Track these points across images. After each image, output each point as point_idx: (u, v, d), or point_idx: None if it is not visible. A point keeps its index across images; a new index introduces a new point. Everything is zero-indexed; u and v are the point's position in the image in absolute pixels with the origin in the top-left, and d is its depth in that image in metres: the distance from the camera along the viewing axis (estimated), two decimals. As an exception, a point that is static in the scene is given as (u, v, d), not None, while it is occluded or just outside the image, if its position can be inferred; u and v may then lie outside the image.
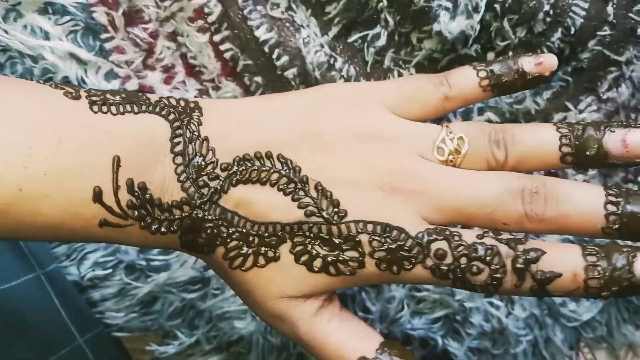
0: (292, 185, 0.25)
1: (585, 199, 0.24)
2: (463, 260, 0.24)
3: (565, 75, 0.38)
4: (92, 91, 0.25)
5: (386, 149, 0.26)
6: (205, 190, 0.25)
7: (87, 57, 0.35)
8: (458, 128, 0.27)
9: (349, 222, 0.25)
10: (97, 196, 0.23)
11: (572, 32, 0.36)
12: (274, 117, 0.26)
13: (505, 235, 0.24)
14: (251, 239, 0.25)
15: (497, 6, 0.35)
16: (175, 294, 0.40)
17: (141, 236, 0.25)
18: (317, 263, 0.25)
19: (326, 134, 0.26)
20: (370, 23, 0.36)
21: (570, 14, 0.36)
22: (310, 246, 0.25)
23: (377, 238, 0.24)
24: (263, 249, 0.25)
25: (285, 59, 0.36)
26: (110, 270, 0.39)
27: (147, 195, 0.24)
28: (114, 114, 0.24)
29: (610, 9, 0.36)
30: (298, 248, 0.25)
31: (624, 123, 0.25)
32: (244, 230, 0.25)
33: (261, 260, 0.25)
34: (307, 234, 0.25)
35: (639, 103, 0.39)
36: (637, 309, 0.44)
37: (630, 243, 0.24)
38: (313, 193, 0.25)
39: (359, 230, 0.25)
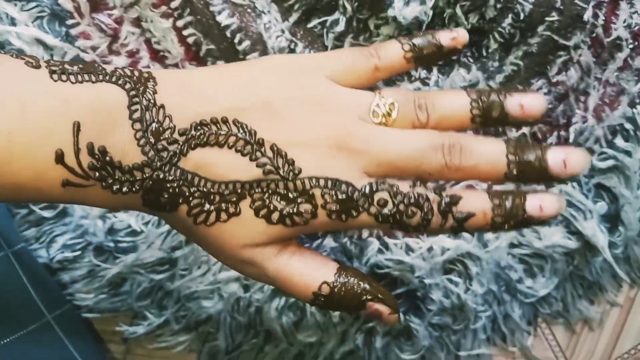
0: (248, 147, 0.27)
1: (491, 150, 0.29)
2: (401, 206, 0.28)
3: (516, 60, 0.40)
4: (51, 61, 0.26)
5: (331, 113, 0.29)
6: (164, 154, 0.27)
7: (53, 43, 0.36)
8: (389, 94, 0.30)
9: (303, 178, 0.28)
10: (59, 158, 0.25)
11: (521, 18, 0.38)
12: (226, 87, 0.28)
13: (431, 184, 0.29)
14: (212, 197, 0.27)
15: (450, -7, 0.36)
16: (144, 275, 0.41)
17: (103, 196, 0.26)
18: (275, 216, 0.28)
19: (276, 102, 0.28)
20: (329, 9, 0.38)
21: (520, 0, 0.37)
22: (267, 201, 0.28)
23: (328, 191, 0.28)
24: (224, 205, 0.28)
25: (247, 43, 0.37)
26: (79, 252, 0.40)
27: (108, 158, 0.26)
28: (72, 83, 0.26)
29: (557, -4, 0.38)
30: (257, 203, 0.28)
31: (522, 89, 0.31)
32: (205, 190, 0.27)
33: (223, 216, 0.28)
34: (265, 190, 0.28)
35: (587, 86, 0.41)
36: (591, 285, 0.46)
37: (524, 187, 0.31)
38: (269, 153, 0.28)
39: (312, 185, 0.28)
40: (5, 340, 0.32)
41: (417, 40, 0.32)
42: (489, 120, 0.31)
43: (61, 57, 0.37)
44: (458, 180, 0.32)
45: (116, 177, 0.26)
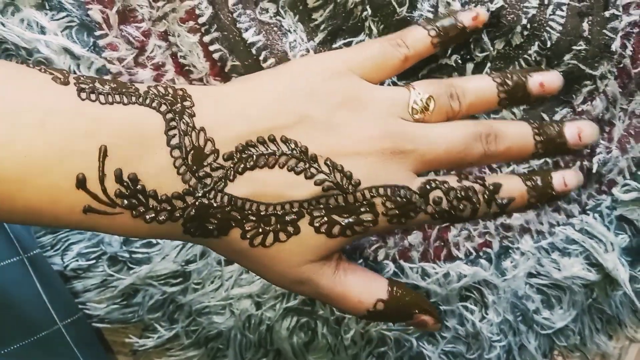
0: (301, 164, 0.27)
1: (520, 133, 0.32)
2: (455, 202, 0.30)
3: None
4: (82, 78, 0.25)
5: (372, 116, 0.29)
6: (208, 181, 0.25)
7: (80, 52, 0.37)
8: (422, 88, 0.31)
9: (363, 190, 0.28)
10: (81, 183, 0.23)
11: (548, 46, 0.37)
12: (262, 103, 0.27)
13: (473, 176, 0.31)
14: (267, 219, 0.27)
15: (477, 18, 0.36)
16: (157, 287, 0.40)
17: (133, 225, 0.25)
18: (336, 230, 0.28)
19: (316, 113, 0.28)
20: (355, 31, 0.38)
21: (547, 28, 0.37)
22: (328, 216, 0.27)
23: (389, 198, 0.28)
24: (282, 226, 0.27)
25: (271, 61, 0.37)
26: (93, 261, 0.40)
27: (139, 186, 0.24)
28: (102, 103, 0.24)
29: (585, 25, 0.38)
30: (317, 220, 0.27)
31: (541, 68, 0.35)
32: (260, 213, 0.26)
33: (282, 237, 0.27)
34: (325, 205, 0.27)
35: (612, 117, 0.41)
36: (610, 319, 0.45)
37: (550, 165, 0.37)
38: (325, 168, 0.27)
39: (373, 195, 0.28)
40: (15, 346, 0.32)
41: (442, 23, 0.33)
42: (514, 101, 0.33)
43: (87, 67, 0.37)
44: (492, 163, 0.36)
45: (150, 206, 0.25)
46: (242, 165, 0.26)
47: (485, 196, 0.30)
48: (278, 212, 0.26)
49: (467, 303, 0.42)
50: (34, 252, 0.36)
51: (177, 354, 0.42)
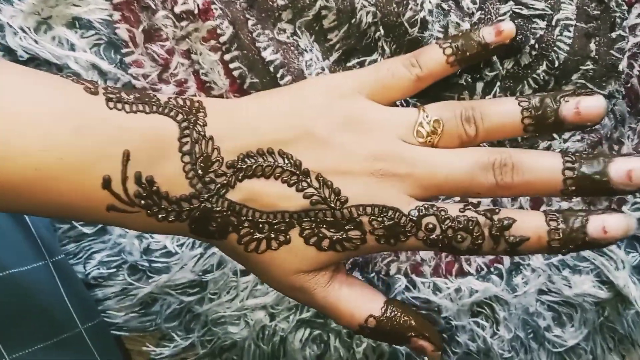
0: (294, 178, 0.28)
1: (546, 166, 0.28)
2: (450, 231, 0.28)
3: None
4: (109, 88, 0.28)
5: (372, 137, 0.29)
6: (212, 186, 0.27)
7: (107, 69, 0.39)
8: (433, 110, 0.30)
9: (350, 207, 0.28)
10: (106, 184, 0.26)
11: (556, 66, 0.39)
12: (269, 117, 0.29)
13: (482, 207, 0.28)
14: (261, 226, 0.28)
15: (486, 39, 0.38)
16: (174, 296, 0.42)
17: (147, 222, 0.27)
18: (325, 243, 0.29)
19: (318, 131, 0.29)
20: (368, 50, 0.39)
21: (555, 48, 0.38)
22: (317, 230, 0.28)
23: (375, 218, 0.28)
24: (274, 234, 0.28)
25: (288, 78, 0.39)
26: (114, 270, 0.41)
27: (155, 188, 0.27)
28: (127, 112, 0.27)
29: (593, 46, 0.39)
30: (307, 232, 0.28)
31: (576, 92, 0.30)
32: (254, 219, 0.28)
33: (274, 244, 0.29)
34: (314, 219, 0.28)
35: (621, 135, 0.41)
36: (622, 339, 0.45)
37: (584, 207, 0.31)
38: (315, 183, 0.28)
39: (360, 213, 0.28)
40: (37, 346, 0.33)
41: (459, 42, 0.31)
42: (542, 128, 0.29)
43: (114, 83, 0.39)
44: (509, 197, 0.31)
45: (162, 206, 0.27)
46: (241, 174, 0.28)
47: (492, 231, 0.27)
48: (271, 220, 0.28)
49: (478, 319, 0.43)
50: (59, 257, 0.38)
51: (192, 363, 0.43)
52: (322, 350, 0.43)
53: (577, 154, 0.28)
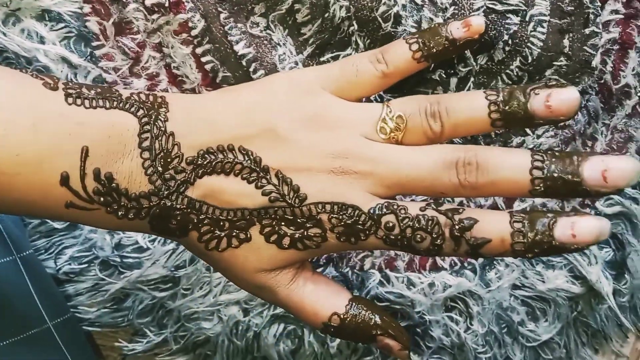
0: (254, 175, 0.28)
1: (513, 165, 0.26)
2: (408, 231, 0.27)
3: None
4: (69, 84, 0.27)
5: (334, 134, 0.28)
6: (172, 183, 0.27)
7: (77, 62, 0.38)
8: (397, 105, 0.29)
9: (309, 204, 0.28)
10: (64, 180, 0.25)
11: (529, 62, 0.39)
12: (231, 113, 0.29)
13: (445, 206, 0.27)
14: (222, 223, 0.28)
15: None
16: (147, 292, 0.41)
17: (107, 219, 0.27)
18: (286, 241, 0.28)
19: (279, 126, 0.28)
20: (342, 45, 0.39)
21: (528, 44, 0.38)
22: (277, 227, 0.28)
23: (335, 216, 0.28)
24: (235, 232, 0.28)
25: (261, 72, 0.38)
26: (85, 265, 0.41)
27: (114, 185, 0.26)
28: (86, 107, 0.26)
29: (566, 42, 0.39)
30: (267, 229, 0.28)
31: (548, 84, 0.28)
32: (214, 217, 0.28)
33: (234, 242, 0.28)
34: (273, 216, 0.28)
35: (594, 131, 0.41)
36: (596, 333, 0.45)
37: (556, 207, 0.29)
38: (274, 180, 0.28)
39: (319, 211, 0.28)
40: (5, 342, 0.33)
41: (427, 37, 0.30)
42: (512, 123, 0.28)
43: (84, 76, 0.38)
44: (475, 197, 0.30)
45: (122, 203, 0.27)
46: (201, 170, 0.27)
47: (453, 232, 0.26)
48: (231, 218, 0.28)
49: (452, 313, 0.43)
50: (27, 252, 0.37)
51: (166, 359, 0.43)
52: (296, 346, 0.43)
53: (549, 152, 0.26)
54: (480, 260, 0.42)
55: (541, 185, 0.26)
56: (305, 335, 0.42)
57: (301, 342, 0.42)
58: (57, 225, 0.41)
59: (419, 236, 0.27)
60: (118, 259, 0.41)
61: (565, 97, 0.27)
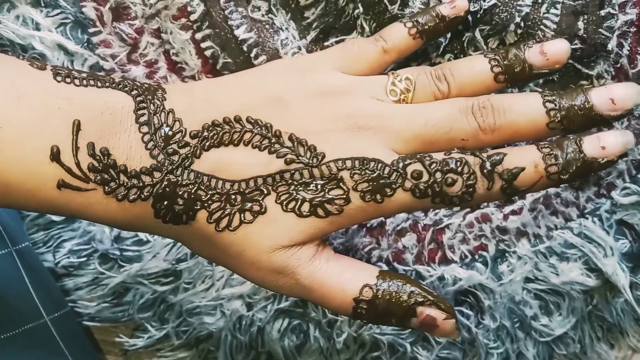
0: (266, 141, 0.26)
1: (527, 103, 0.28)
2: (438, 175, 0.26)
3: (537, 87, 0.39)
4: (59, 67, 0.26)
5: (344, 99, 0.28)
6: (175, 157, 0.25)
7: (74, 49, 0.37)
8: (403, 72, 0.30)
9: (328, 162, 0.26)
10: (55, 155, 0.23)
11: (542, 45, 0.37)
12: (235, 90, 0.28)
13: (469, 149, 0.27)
14: (233, 197, 0.26)
15: (469, 17, 0.36)
16: (147, 286, 0.40)
17: (106, 204, 0.24)
18: (305, 207, 0.26)
19: (286, 96, 0.27)
20: (347, 29, 0.38)
21: (541, 26, 0.37)
22: (295, 192, 0.26)
23: (357, 171, 0.26)
24: (248, 204, 0.26)
25: (263, 58, 0.37)
26: (84, 259, 0.40)
27: (110, 160, 0.24)
28: (77, 85, 0.25)
29: (581, 24, 0.37)
30: (283, 196, 0.26)
31: (538, 40, 0.31)
32: (224, 190, 0.26)
33: (248, 216, 0.26)
34: (290, 181, 0.26)
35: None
36: (611, 327, 0.43)
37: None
38: (288, 143, 0.26)
39: (339, 168, 0.26)
40: (1, 337, 0.32)
41: (419, 16, 0.32)
42: (513, 76, 0.30)
43: (82, 64, 0.37)
44: (498, 143, 0.29)
45: (121, 182, 0.24)
46: (207, 143, 0.26)
47: (484, 169, 0.26)
48: (243, 190, 0.26)
49: (462, 308, 0.41)
50: (23, 244, 0.36)
51: (168, 354, 0.42)
52: (301, 341, 0.41)
53: (554, 91, 0.28)
54: (492, 252, 0.41)
55: (558, 115, 0.27)
56: (311, 330, 0.41)
57: (306, 337, 0.41)
58: (56, 217, 0.40)
59: (450, 179, 0.26)
60: (118, 252, 0.40)
61: (557, 46, 0.30)
